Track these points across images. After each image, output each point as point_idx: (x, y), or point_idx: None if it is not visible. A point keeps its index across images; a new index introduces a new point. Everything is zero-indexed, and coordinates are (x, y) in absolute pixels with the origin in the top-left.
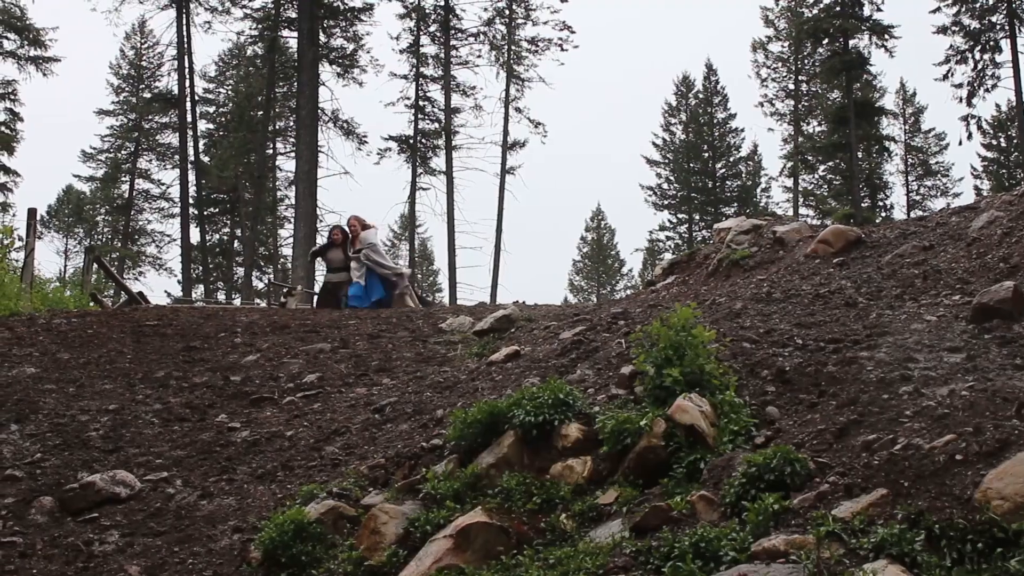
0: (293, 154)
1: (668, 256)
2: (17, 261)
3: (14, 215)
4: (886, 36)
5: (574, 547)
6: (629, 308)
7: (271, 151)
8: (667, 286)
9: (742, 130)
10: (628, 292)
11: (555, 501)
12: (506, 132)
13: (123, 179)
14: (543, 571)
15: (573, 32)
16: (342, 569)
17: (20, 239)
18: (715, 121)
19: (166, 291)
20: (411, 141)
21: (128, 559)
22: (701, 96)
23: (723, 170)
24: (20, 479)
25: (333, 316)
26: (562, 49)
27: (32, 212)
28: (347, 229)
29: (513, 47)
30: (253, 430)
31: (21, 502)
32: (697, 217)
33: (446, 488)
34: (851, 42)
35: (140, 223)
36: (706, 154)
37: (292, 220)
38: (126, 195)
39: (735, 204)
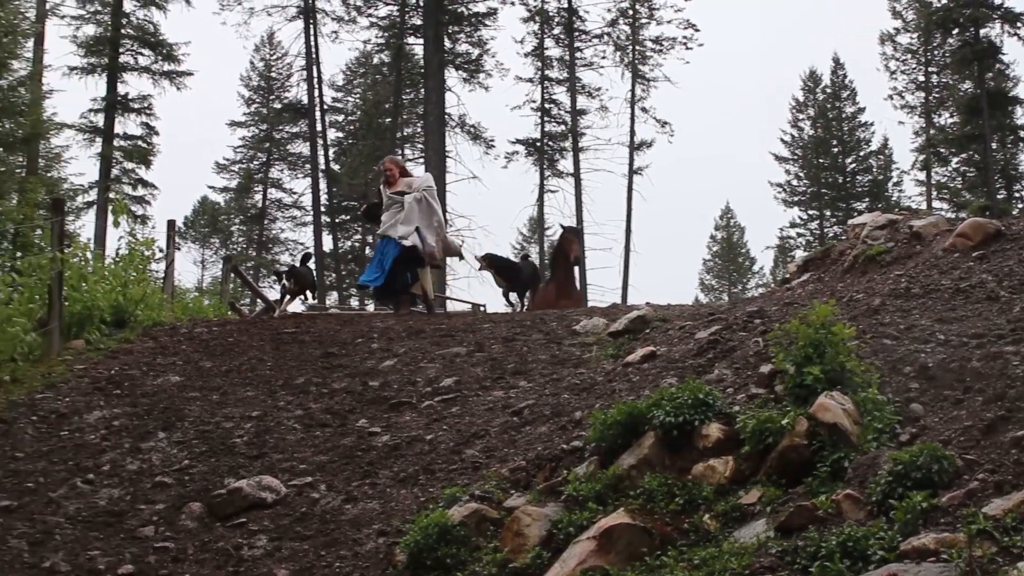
0: (421, 160)
1: (800, 253)
2: (158, 272)
3: (153, 227)
4: (1018, 24)
5: (718, 547)
6: (764, 306)
7: (400, 157)
8: (802, 283)
9: (871, 124)
10: (760, 290)
11: (697, 501)
12: (632, 133)
13: (256, 189)
14: (688, 572)
15: (697, 30)
16: (487, 571)
17: (160, 250)
18: (844, 116)
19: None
20: (538, 144)
21: (276, 563)
22: (829, 91)
23: (853, 165)
24: (170, 485)
25: (467, 320)
26: (687, 48)
27: (171, 224)
28: (387, 173)
29: (637, 47)
30: (393, 434)
31: (171, 508)
32: (828, 213)
33: (588, 490)
34: (982, 31)
35: (273, 232)
36: (835, 149)
37: None
38: (259, 204)
39: (866, 199)
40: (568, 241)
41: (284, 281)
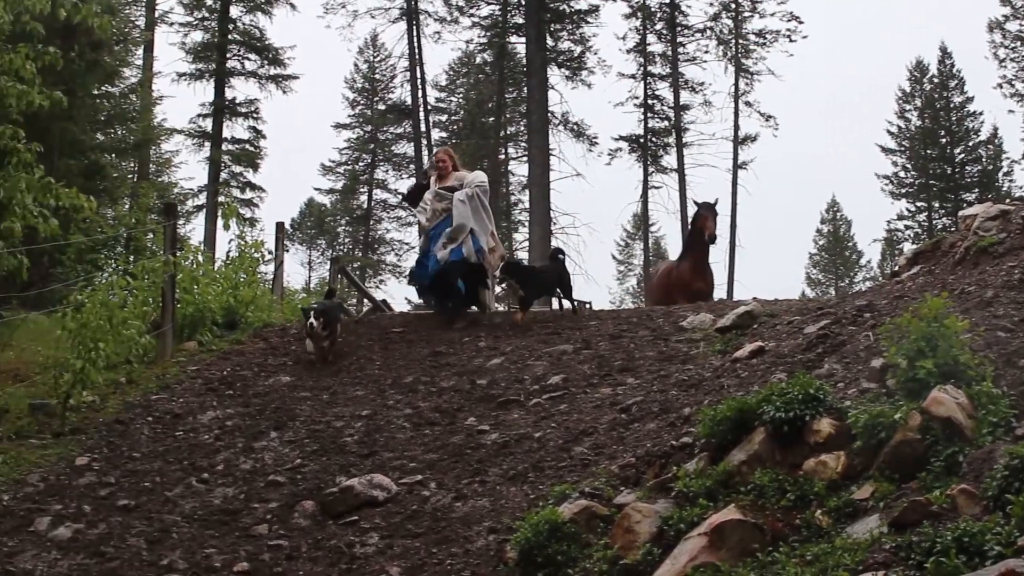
0: (525, 158)
1: (909, 246)
2: (267, 274)
3: (262, 230)
4: None
5: (831, 543)
6: (874, 300)
7: (503, 156)
8: (912, 276)
9: (980, 113)
10: (868, 284)
11: (809, 497)
12: (736, 127)
13: (361, 190)
14: (800, 568)
15: (801, 23)
16: (597, 568)
17: (269, 252)
18: (951, 105)
19: (406, 298)
20: (641, 140)
21: (389, 560)
22: (936, 80)
23: (962, 155)
24: (282, 484)
25: (573, 317)
26: (790, 40)
27: (280, 226)
28: (439, 164)
29: (740, 41)
30: (502, 432)
31: (284, 506)
32: (936, 205)
33: (698, 486)
34: None
35: (379, 232)
36: (943, 140)
37: (526, 224)
38: (365, 205)
39: (976, 190)
40: (702, 218)
41: (311, 320)
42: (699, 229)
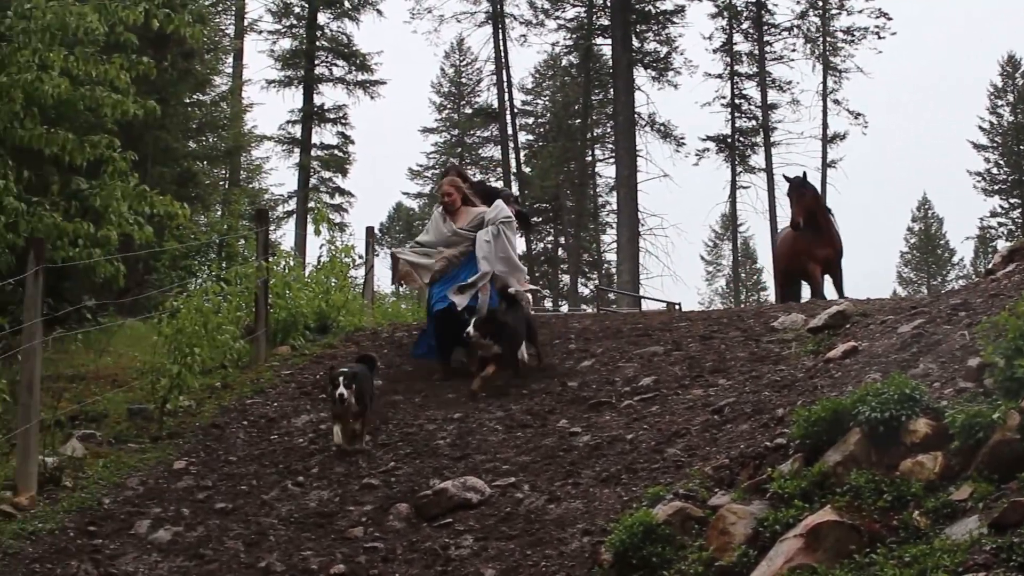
0: (612, 160)
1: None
2: (358, 278)
3: (351, 234)
4: None
5: (929, 545)
6: (969, 299)
7: (590, 158)
8: (1008, 274)
9: None
10: (961, 282)
11: (906, 498)
12: (825, 125)
13: None
14: (898, 569)
15: (890, 19)
16: (693, 570)
17: (360, 257)
18: None
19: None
20: (729, 140)
21: (483, 563)
22: None
23: None
24: (377, 487)
25: (663, 319)
26: (879, 37)
27: (370, 231)
28: (446, 198)
29: (828, 38)
30: (594, 434)
31: (379, 509)
32: None
33: (793, 487)
34: None
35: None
36: None
37: (615, 225)
38: None
39: None
40: (789, 202)
41: (341, 390)
42: (805, 208)
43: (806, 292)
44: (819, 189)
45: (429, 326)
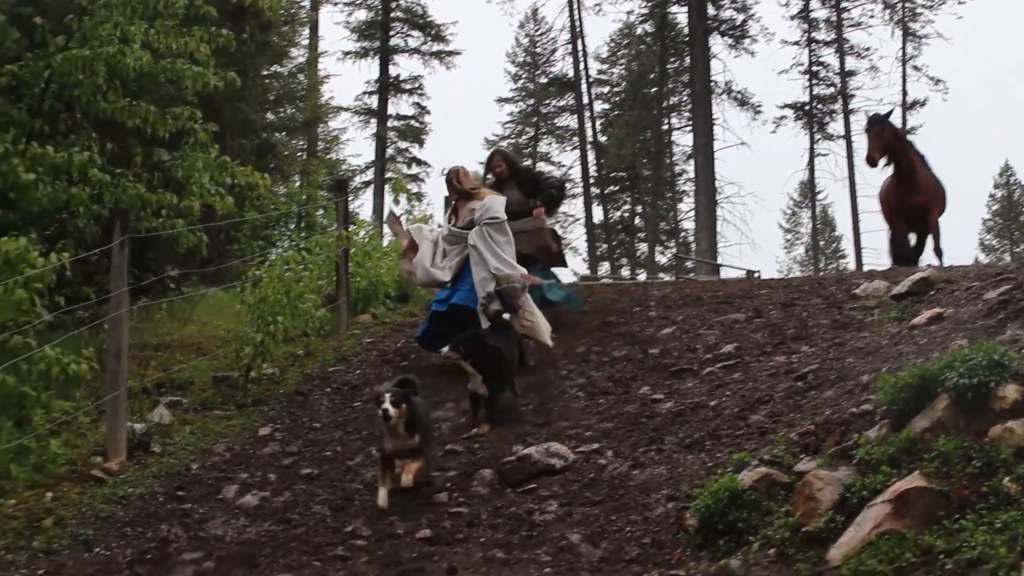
0: (688, 128)
1: None
2: None
3: (429, 204)
4: None
5: (1021, 511)
6: None
7: (666, 127)
8: None
9: None
10: None
11: (995, 464)
12: (904, 92)
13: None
14: (989, 535)
15: None
16: (779, 535)
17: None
18: None
19: (572, 270)
20: (806, 107)
21: (568, 527)
22: None
23: None
24: (460, 453)
25: (743, 286)
26: (959, 2)
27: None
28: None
29: (907, 4)
30: (677, 401)
31: (463, 475)
32: None
33: (880, 453)
34: None
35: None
36: None
37: (692, 194)
38: None
39: None
40: (870, 133)
41: (386, 406)
42: (885, 146)
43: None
44: None
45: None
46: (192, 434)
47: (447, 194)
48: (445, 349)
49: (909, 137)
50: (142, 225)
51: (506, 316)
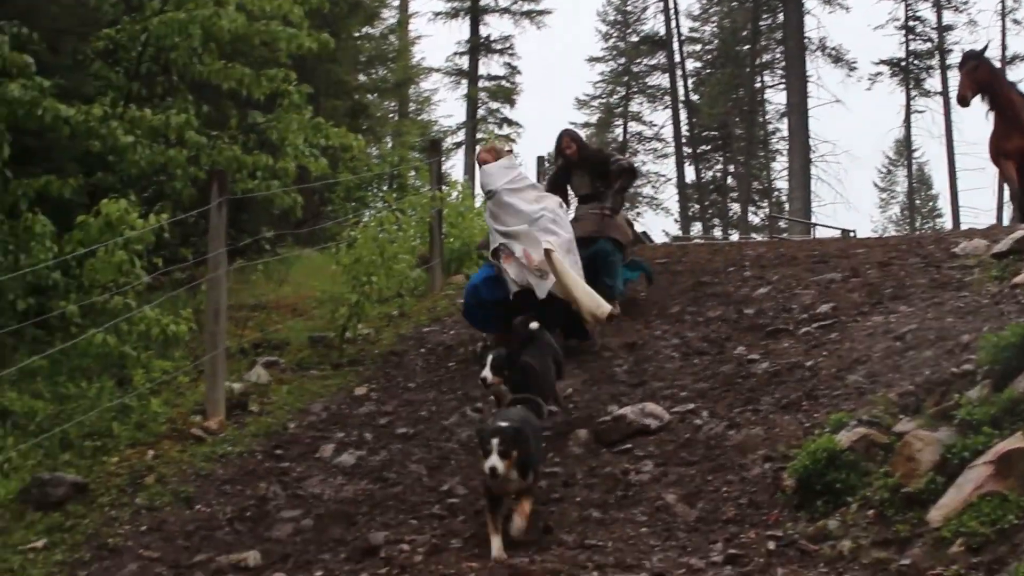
0: (782, 86)
1: None
2: None
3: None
4: None
5: None
6: None
7: (759, 85)
8: None
9: None
10: None
11: None
12: (1004, 47)
13: (616, 123)
14: None
15: None
16: (878, 496)
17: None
18: None
19: (663, 230)
20: (902, 64)
21: (664, 487)
22: None
23: None
24: (555, 413)
25: (840, 245)
26: None
27: (541, 160)
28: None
29: None
30: (772, 361)
31: (558, 435)
32: None
33: (981, 414)
34: None
35: (635, 165)
36: None
37: (785, 152)
38: (620, 138)
39: None
40: (963, 70)
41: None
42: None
43: None
44: None
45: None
46: (289, 394)
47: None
48: (489, 375)
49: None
50: (238, 187)
51: (534, 325)
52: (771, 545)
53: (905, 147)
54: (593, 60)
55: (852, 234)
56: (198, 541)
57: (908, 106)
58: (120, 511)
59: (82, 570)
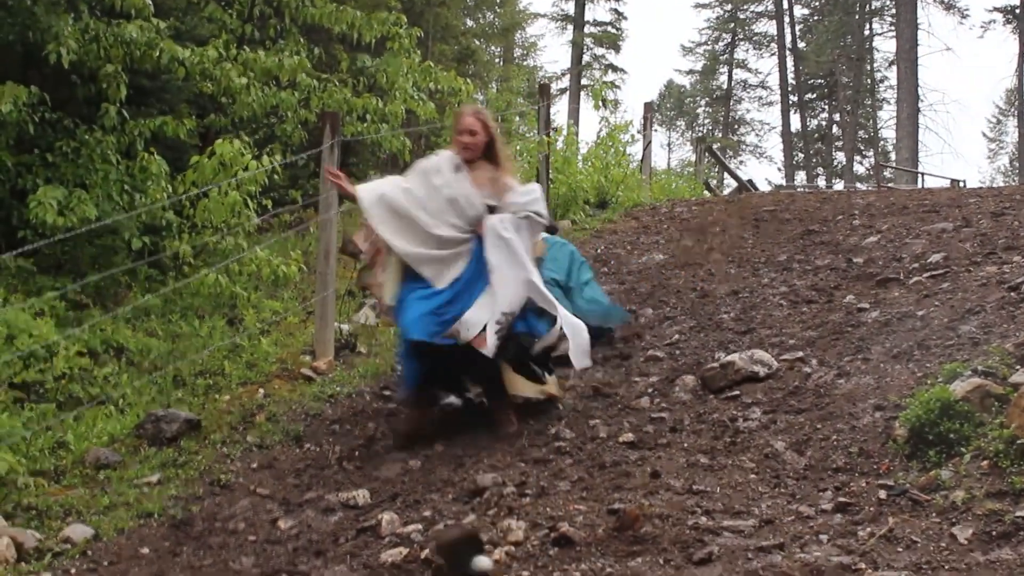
0: (891, 34)
1: None
2: (633, 154)
3: (624, 111)
4: None
5: None
6: None
7: (867, 32)
8: None
9: None
10: None
11: None
12: None
13: (721, 70)
14: None
15: None
16: (993, 447)
17: (639, 133)
18: None
19: (767, 179)
20: (1017, 11)
21: (772, 435)
22: None
23: None
24: (662, 359)
25: (951, 195)
26: None
27: (648, 106)
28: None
29: None
30: (882, 310)
31: (665, 380)
32: None
33: None
34: None
35: (739, 113)
36: None
37: (892, 102)
38: (724, 86)
39: None
40: None
41: None
42: None
43: None
44: None
45: (403, 351)
46: (396, 335)
47: (464, 136)
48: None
49: None
50: (347, 130)
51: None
52: (882, 494)
53: (1016, 96)
54: (699, 6)
55: (962, 184)
56: (308, 479)
57: (1022, 54)
58: (231, 448)
59: (195, 505)
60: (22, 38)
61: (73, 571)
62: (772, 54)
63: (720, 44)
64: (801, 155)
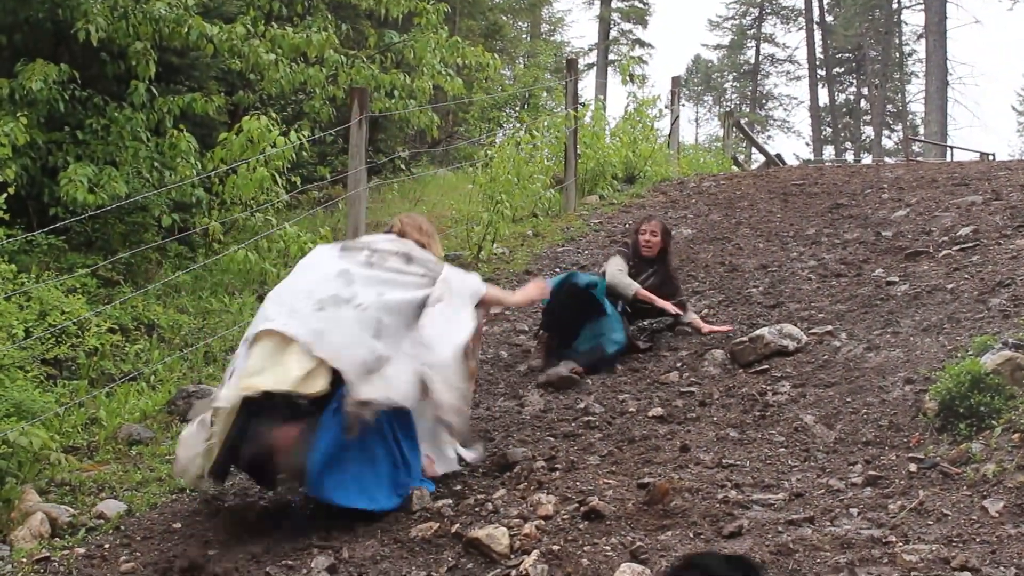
0: (920, 6)
1: None
2: (661, 129)
3: (652, 86)
4: None
5: None
6: None
7: (896, 5)
8: None
9: None
10: None
11: None
12: None
13: (749, 45)
14: None
15: None
16: (1023, 420)
17: (666, 107)
18: None
19: (794, 153)
20: None
21: (802, 408)
22: None
23: None
24: (690, 334)
25: (980, 168)
26: None
27: (675, 80)
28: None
29: None
30: (912, 284)
31: (694, 355)
32: None
33: None
34: None
35: (767, 87)
36: None
37: (921, 75)
38: (752, 61)
39: None
40: None
41: None
42: None
43: None
44: None
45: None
46: None
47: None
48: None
49: None
50: (375, 106)
51: None
52: (912, 467)
53: None
54: None
55: (991, 157)
56: None
57: None
58: None
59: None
60: (52, 16)
61: (107, 546)
62: (800, 28)
63: (748, 18)
64: (829, 129)
